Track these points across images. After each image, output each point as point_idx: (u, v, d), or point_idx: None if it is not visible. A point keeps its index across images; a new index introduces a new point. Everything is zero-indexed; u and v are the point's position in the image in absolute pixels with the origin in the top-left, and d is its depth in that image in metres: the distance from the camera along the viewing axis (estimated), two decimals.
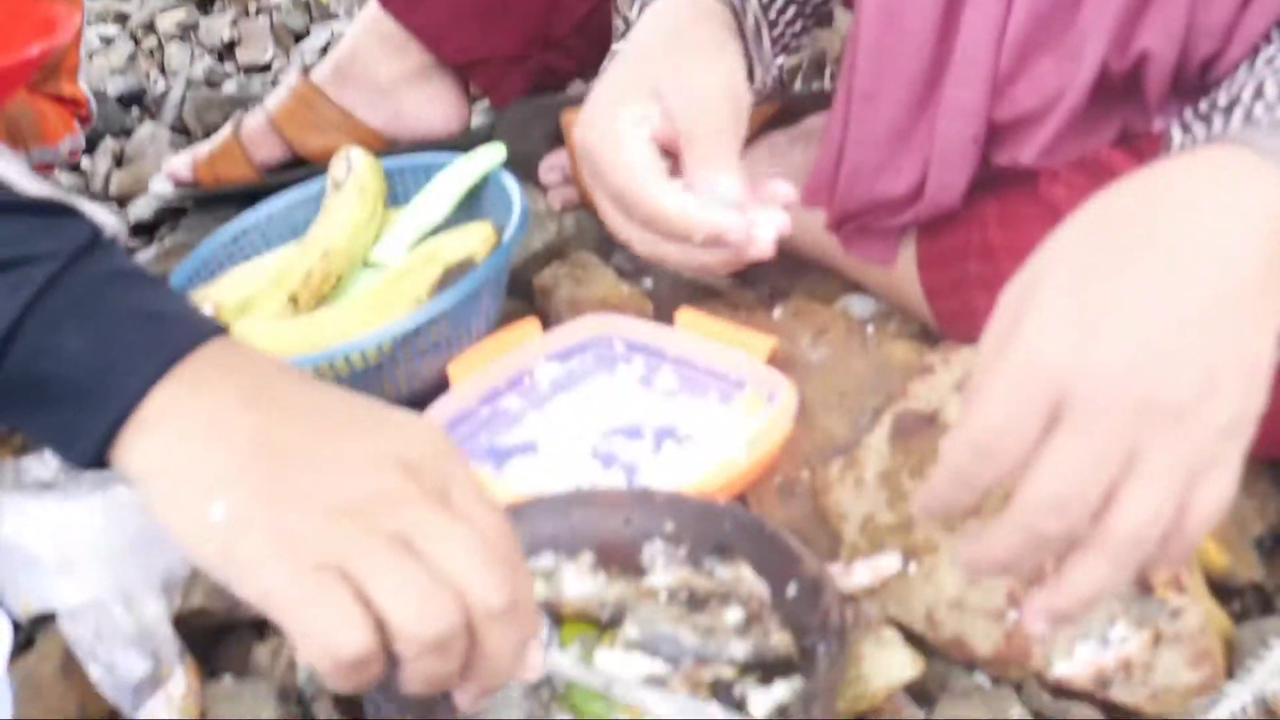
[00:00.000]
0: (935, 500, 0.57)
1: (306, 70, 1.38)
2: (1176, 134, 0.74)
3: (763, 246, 0.79)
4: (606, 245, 1.28)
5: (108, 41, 2.25)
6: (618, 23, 1.02)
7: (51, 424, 0.57)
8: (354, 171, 1.09)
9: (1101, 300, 0.53)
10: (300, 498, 0.53)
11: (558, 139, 1.27)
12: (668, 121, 0.81)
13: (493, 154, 1.10)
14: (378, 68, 1.35)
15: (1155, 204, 0.56)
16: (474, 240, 1.00)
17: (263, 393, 0.57)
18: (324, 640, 0.50)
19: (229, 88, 1.85)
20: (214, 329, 0.59)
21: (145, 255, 1.35)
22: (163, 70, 2.15)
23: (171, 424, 0.55)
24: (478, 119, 1.46)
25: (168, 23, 2.27)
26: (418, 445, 0.56)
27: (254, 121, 1.37)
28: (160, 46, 2.23)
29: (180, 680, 0.80)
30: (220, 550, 0.52)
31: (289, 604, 0.51)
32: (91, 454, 0.56)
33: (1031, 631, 0.58)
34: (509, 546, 0.56)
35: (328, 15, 2.22)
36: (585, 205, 1.24)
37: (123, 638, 0.80)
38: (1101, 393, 0.51)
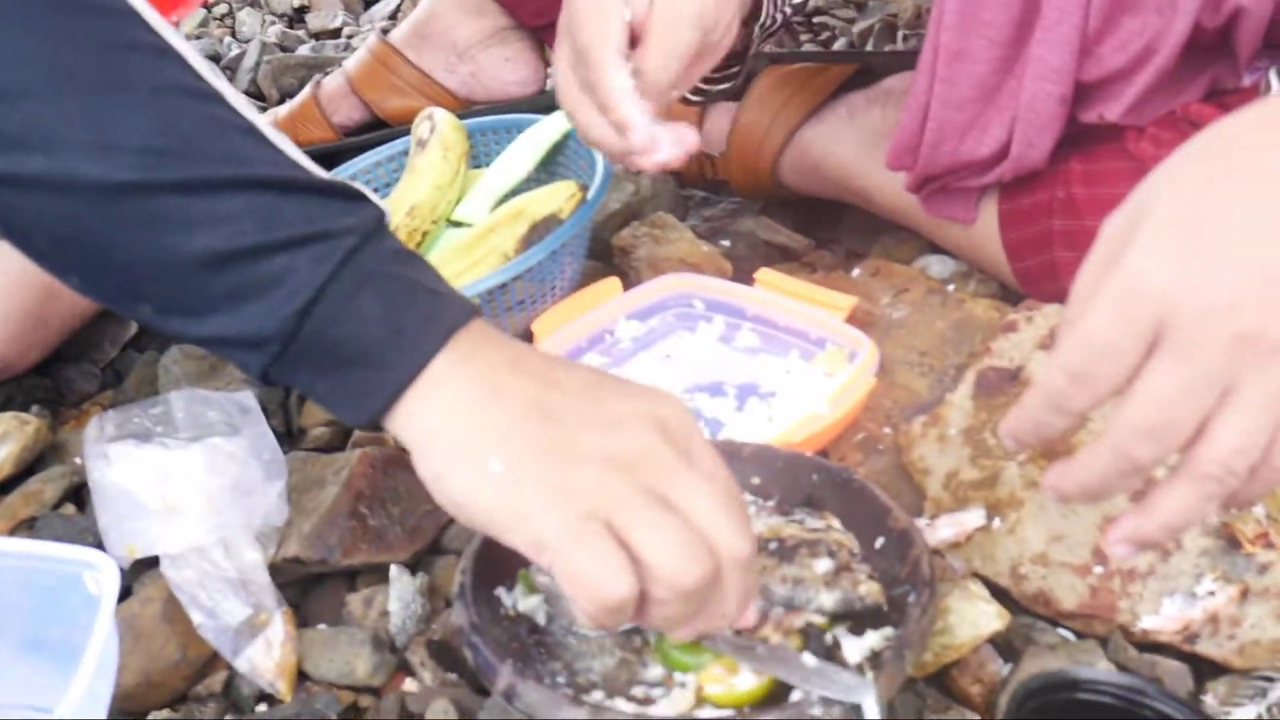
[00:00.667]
0: (1024, 424, 0.58)
1: (385, 32, 1.40)
2: (1276, 80, 0.73)
3: (659, 160, 0.85)
4: (683, 205, 1.28)
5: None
6: None
7: (338, 383, 0.63)
8: (438, 130, 1.10)
9: (1210, 228, 0.54)
10: (571, 453, 0.59)
11: None
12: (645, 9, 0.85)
13: None
14: (456, 30, 1.36)
15: (1265, 138, 0.56)
16: (559, 198, 1.01)
17: (524, 362, 0.63)
18: (593, 584, 0.57)
19: (302, 52, 1.87)
20: (475, 308, 0.65)
21: None
22: (234, 36, 2.18)
23: (452, 387, 0.61)
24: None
25: None
26: (666, 408, 0.62)
27: (333, 83, 1.39)
28: (231, 13, 2.25)
29: (279, 626, 0.82)
30: (497, 500, 0.59)
31: (561, 549, 0.57)
32: (374, 411, 0.62)
33: (1113, 554, 0.59)
34: (742, 501, 0.63)
35: None
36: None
37: (224, 583, 0.82)
38: (1204, 320, 0.52)
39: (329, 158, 1.25)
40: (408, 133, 1.17)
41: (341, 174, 1.19)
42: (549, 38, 1.39)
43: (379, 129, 1.37)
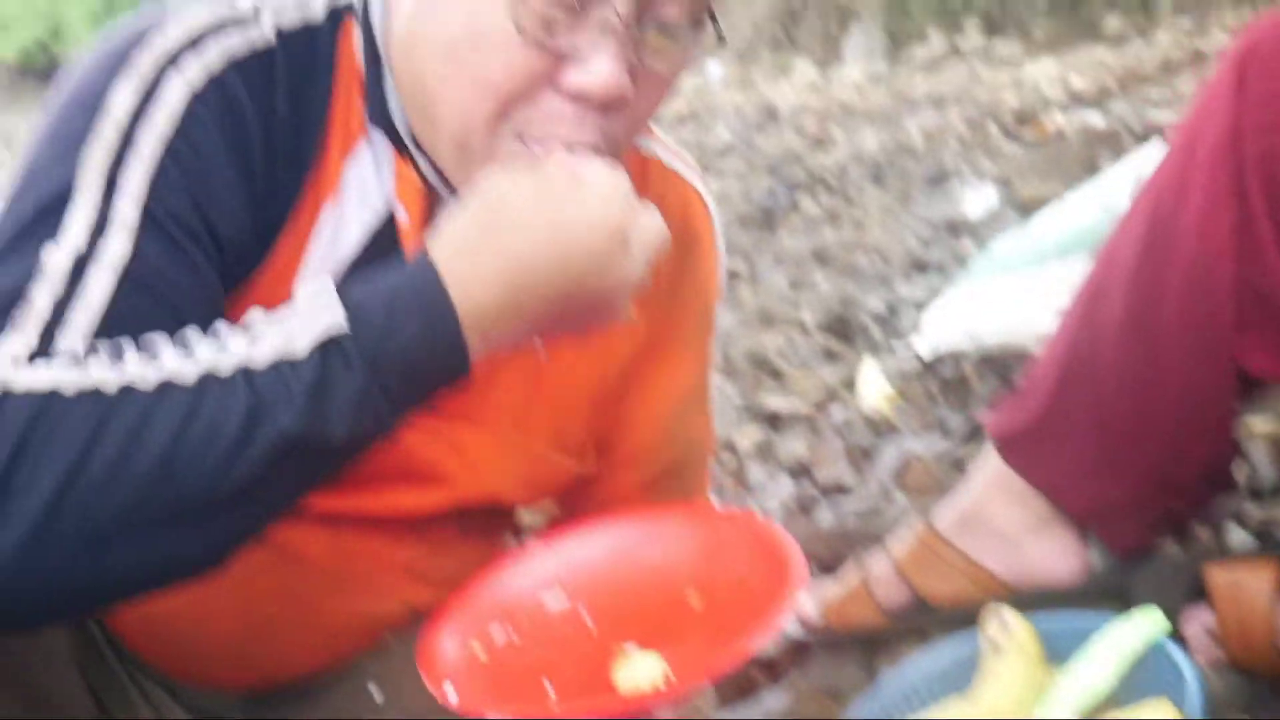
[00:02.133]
0: None
1: (929, 519, 1.47)
2: None
3: None
4: (1258, 704, 1.23)
5: None
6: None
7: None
8: (1012, 634, 1.13)
9: None
10: None
11: (1197, 593, 1.26)
12: None
13: (1153, 622, 1.10)
14: (1001, 518, 1.41)
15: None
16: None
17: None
18: None
19: (824, 518, 1.97)
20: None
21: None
22: (744, 487, 2.34)
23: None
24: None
25: (746, 441, 2.47)
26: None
27: (879, 568, 1.46)
28: (740, 466, 2.43)
29: None
30: None
31: None
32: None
33: None
34: None
35: (892, 429, 2.34)
36: (1233, 665, 1.21)
37: None
38: None
39: (878, 644, 1.31)
40: (956, 618, 1.20)
41: (918, 671, 1.22)
42: (1093, 523, 1.41)
43: (926, 612, 1.42)
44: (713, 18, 0.95)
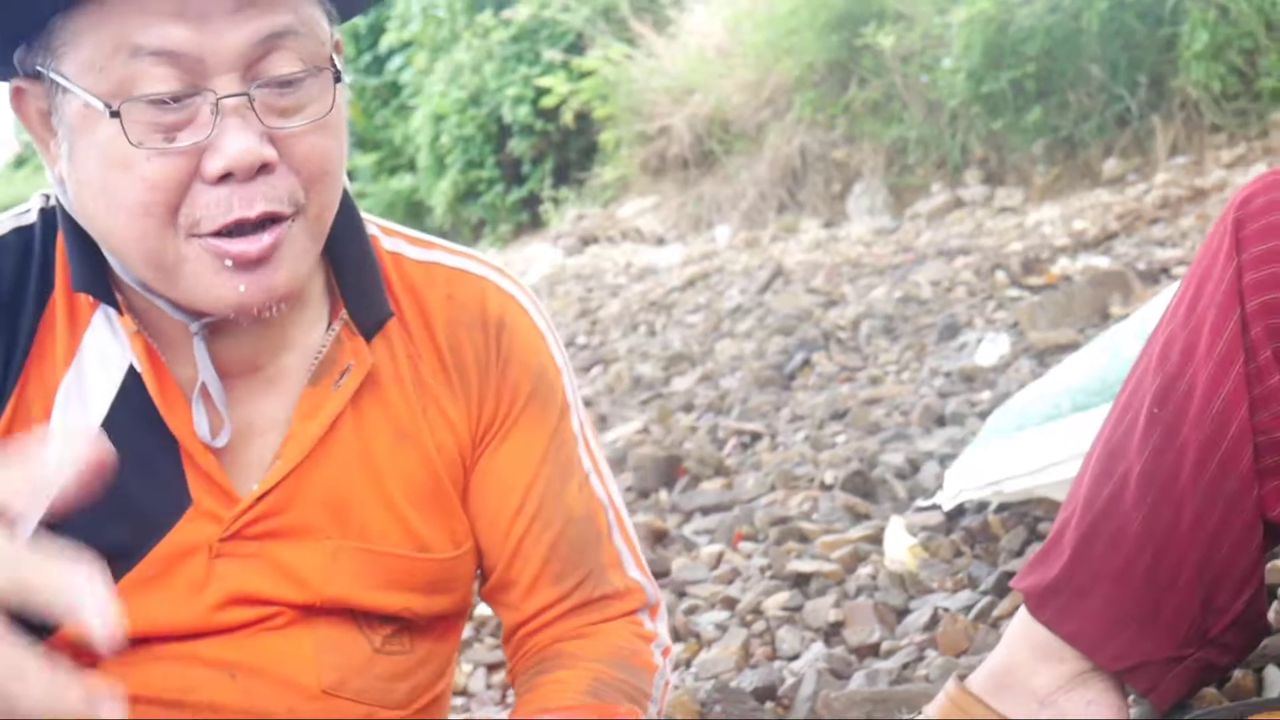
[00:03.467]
0: None
1: (961, 678, 1.45)
2: None
3: None
4: None
5: (722, 629, 2.45)
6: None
7: None
8: None
9: None
10: None
11: None
12: None
13: None
14: (1034, 676, 1.39)
15: None
16: None
17: None
18: None
19: (856, 681, 1.95)
20: None
21: None
22: (774, 654, 2.31)
23: None
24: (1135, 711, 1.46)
25: (774, 606, 2.45)
26: None
27: None
28: (769, 630, 2.40)
29: None
30: None
31: None
32: None
33: None
34: None
35: (926, 589, 2.32)
36: None
37: None
38: None
39: None
40: None
41: None
42: (1131, 677, 1.39)
43: None
44: (333, 61, 1.00)
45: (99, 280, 1.05)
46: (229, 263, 0.97)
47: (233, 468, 1.10)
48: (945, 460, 2.83)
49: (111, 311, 1.06)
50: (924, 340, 4.28)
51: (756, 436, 3.57)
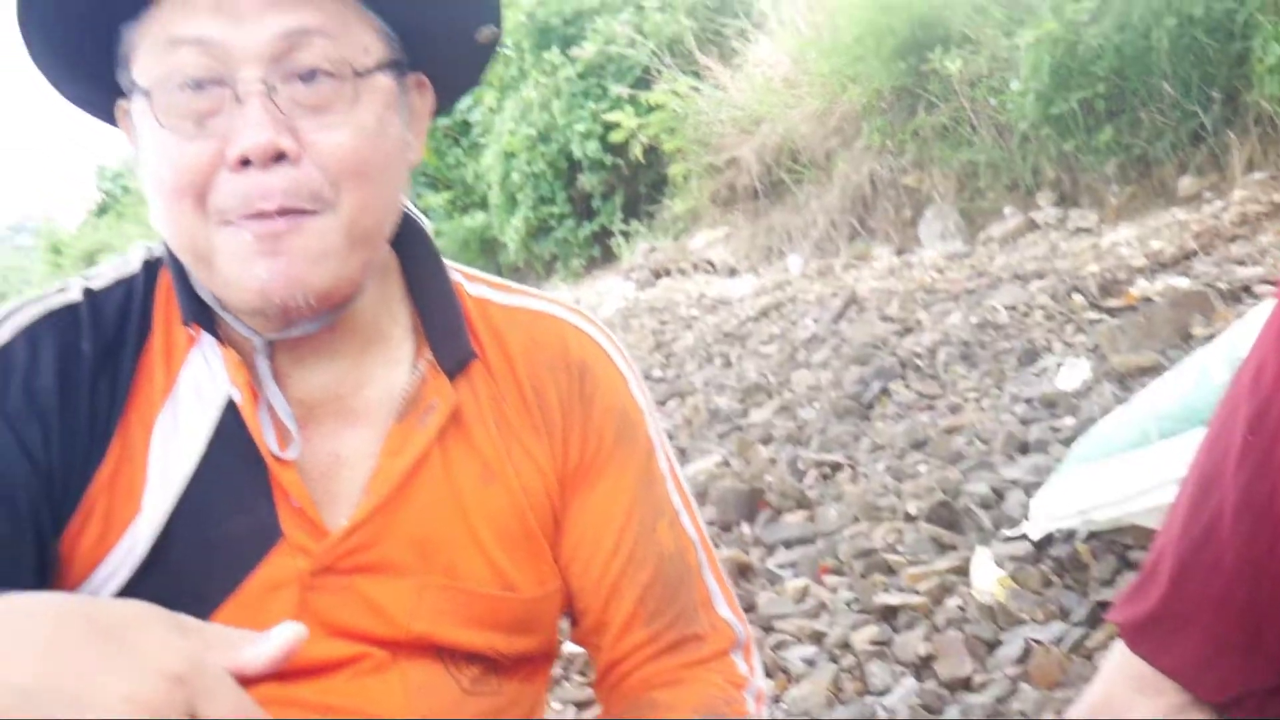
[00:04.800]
0: None
1: (1060, 712, 1.45)
2: None
3: None
4: None
5: (810, 664, 2.45)
6: None
7: None
8: None
9: None
10: None
11: None
12: None
13: None
14: (1132, 710, 1.37)
15: None
16: None
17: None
18: None
19: (950, 716, 1.94)
20: None
21: None
22: (865, 689, 2.30)
23: None
24: None
25: (862, 640, 2.44)
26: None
27: None
28: (858, 664, 2.39)
29: None
30: None
31: None
32: None
33: None
34: None
35: (1016, 621, 2.31)
36: None
37: None
38: None
39: None
40: None
41: None
42: (1233, 709, 1.38)
43: None
44: (371, 68, 1.03)
45: (204, 312, 1.10)
46: (250, 239, 1.00)
47: (322, 501, 1.12)
48: (1030, 489, 2.82)
49: (209, 345, 1.10)
50: (1003, 366, 4.25)
51: (837, 467, 3.57)
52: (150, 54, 1.00)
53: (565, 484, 1.21)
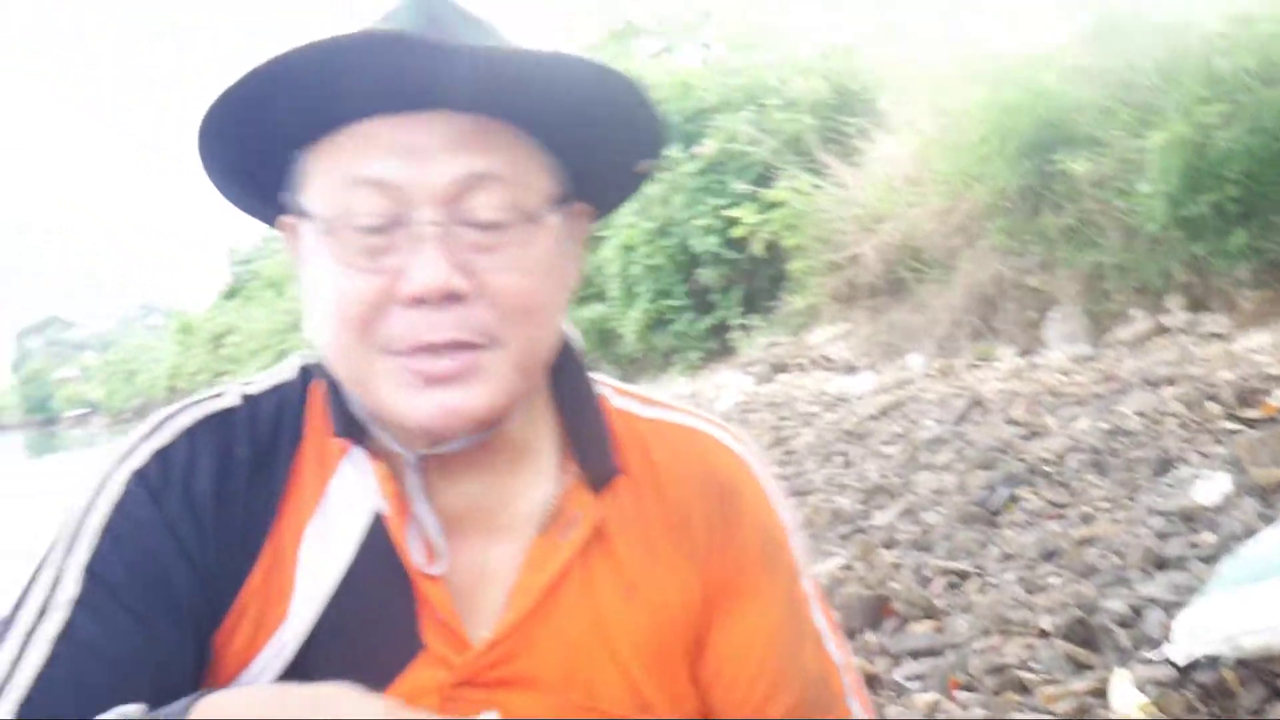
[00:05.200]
0: None
1: None
2: None
3: None
4: None
5: None
6: None
7: None
8: None
9: None
10: None
11: None
12: None
13: None
14: None
15: None
16: None
17: None
18: None
19: None
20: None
21: None
22: None
23: None
24: None
25: None
26: None
27: None
28: None
29: None
30: None
31: None
32: None
33: None
34: None
35: None
36: None
37: None
38: None
39: None
40: None
41: None
42: None
43: None
44: (544, 210, 1.05)
45: (355, 425, 1.12)
46: (415, 371, 1.02)
47: (465, 614, 1.13)
48: (1169, 608, 2.74)
49: (361, 456, 1.12)
50: (1135, 476, 4.16)
51: (964, 576, 3.51)
52: (327, 187, 1.03)
53: (709, 603, 1.21)
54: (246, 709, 0.85)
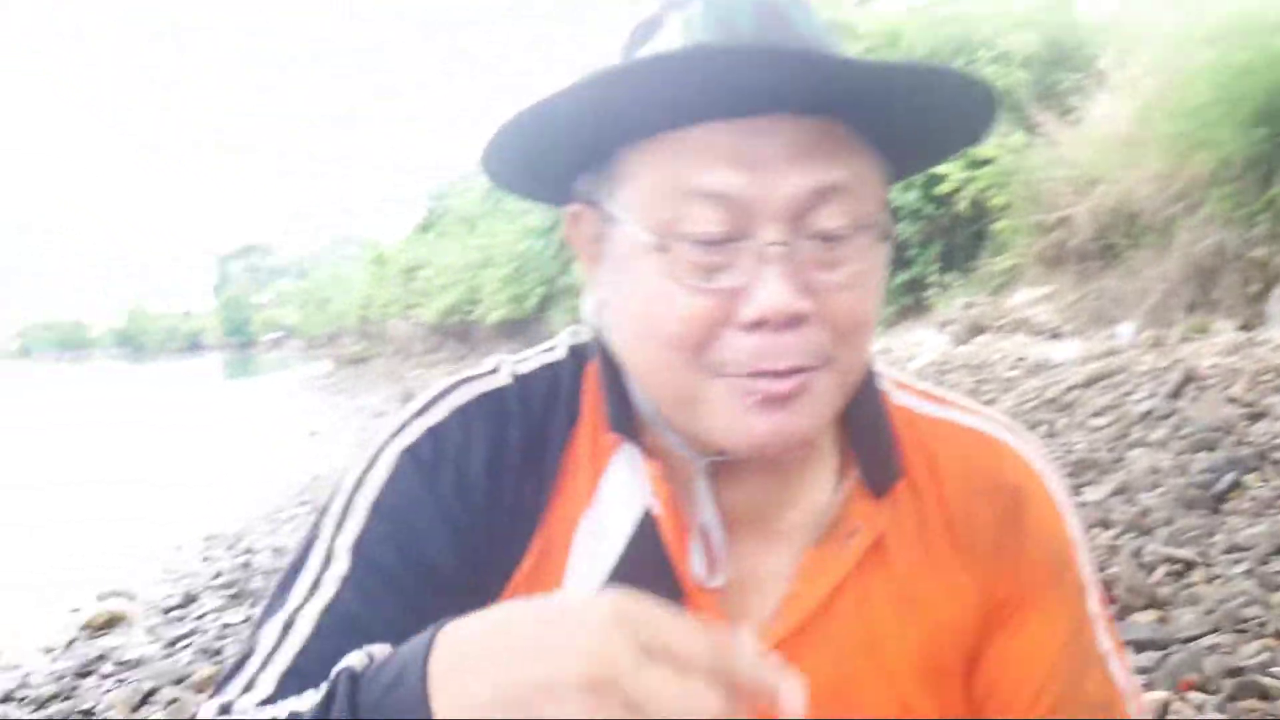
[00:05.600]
0: None
1: None
2: None
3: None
4: None
5: None
6: None
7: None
8: None
9: None
10: None
11: None
12: None
13: None
14: None
15: None
16: None
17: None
18: None
19: None
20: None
21: None
22: None
23: None
24: None
25: None
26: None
27: None
28: None
29: None
30: None
31: None
32: None
33: None
34: None
35: None
36: None
37: None
38: None
39: None
40: None
41: None
42: None
43: None
44: (881, 218, 0.97)
45: (629, 420, 1.08)
46: (753, 401, 0.97)
47: (733, 625, 1.05)
48: None
49: (635, 453, 1.08)
50: None
51: (1190, 565, 3.41)
52: (655, 194, 0.96)
53: (989, 620, 1.14)
54: (488, 626, 0.78)
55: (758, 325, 0.94)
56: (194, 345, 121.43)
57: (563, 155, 1.02)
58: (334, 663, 0.88)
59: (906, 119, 0.98)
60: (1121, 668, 1.19)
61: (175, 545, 8.19)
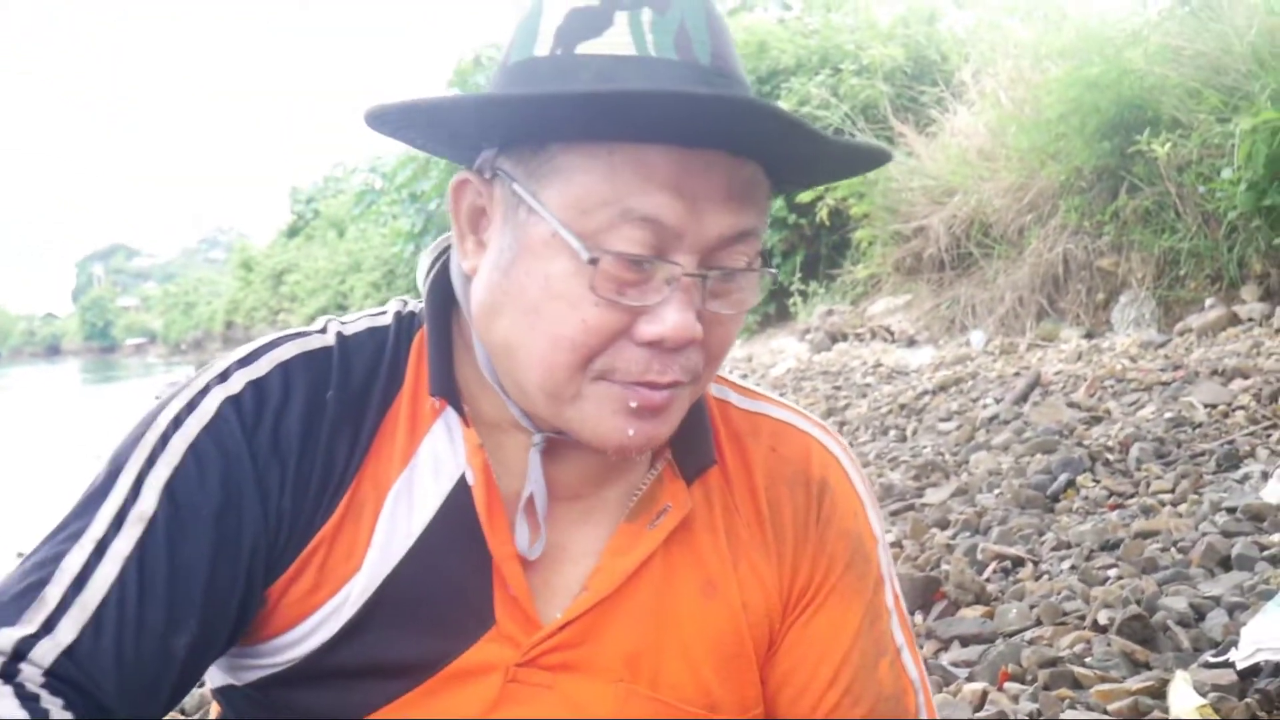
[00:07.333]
0: None
1: None
2: None
3: None
4: None
5: None
6: None
7: None
8: None
9: None
10: None
11: None
12: None
13: None
14: None
15: None
16: None
17: None
18: None
19: None
20: None
21: None
22: None
23: None
24: None
25: None
26: None
27: None
28: None
29: None
30: None
31: None
32: None
33: None
34: None
35: None
36: None
37: None
38: None
39: None
40: None
41: None
42: None
43: None
44: (766, 260, 1.05)
45: (453, 388, 1.10)
46: (633, 405, 1.01)
47: (539, 594, 1.10)
48: (1233, 609, 2.65)
49: (454, 421, 1.09)
50: (1200, 469, 4.04)
51: (1019, 562, 3.43)
52: (589, 202, 0.97)
53: (788, 606, 1.18)
54: None
55: (654, 343, 1.00)
56: (51, 349, 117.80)
57: (494, 132, 1.03)
58: (132, 623, 0.94)
59: (819, 170, 1.09)
60: (914, 661, 1.22)
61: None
